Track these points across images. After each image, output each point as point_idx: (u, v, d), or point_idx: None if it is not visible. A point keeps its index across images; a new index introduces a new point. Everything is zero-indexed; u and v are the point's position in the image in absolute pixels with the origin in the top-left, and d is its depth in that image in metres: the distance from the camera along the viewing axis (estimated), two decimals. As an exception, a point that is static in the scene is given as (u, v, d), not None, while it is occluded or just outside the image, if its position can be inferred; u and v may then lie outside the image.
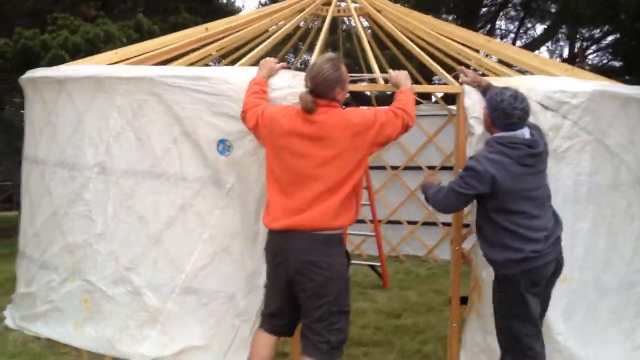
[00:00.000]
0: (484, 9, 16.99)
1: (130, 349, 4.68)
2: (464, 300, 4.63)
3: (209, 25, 5.83)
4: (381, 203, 9.34)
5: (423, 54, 5.01)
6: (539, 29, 17.91)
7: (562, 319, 4.60)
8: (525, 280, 3.85)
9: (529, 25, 17.98)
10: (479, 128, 4.36)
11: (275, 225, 3.81)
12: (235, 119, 4.33)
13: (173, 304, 4.62)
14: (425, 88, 5.32)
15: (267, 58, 4.51)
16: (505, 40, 17.79)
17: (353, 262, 8.07)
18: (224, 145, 4.49)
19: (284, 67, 4.42)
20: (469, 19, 15.53)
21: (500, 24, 18.16)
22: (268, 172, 3.92)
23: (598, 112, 4.75)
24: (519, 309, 3.87)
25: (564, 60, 17.38)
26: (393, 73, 4.36)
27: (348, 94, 4.07)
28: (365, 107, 4.15)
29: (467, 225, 4.85)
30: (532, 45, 17.05)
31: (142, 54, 5.46)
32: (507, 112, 3.90)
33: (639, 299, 5.37)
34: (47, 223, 5.20)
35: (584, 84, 4.77)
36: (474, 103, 4.41)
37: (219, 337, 4.55)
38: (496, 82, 4.48)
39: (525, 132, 3.93)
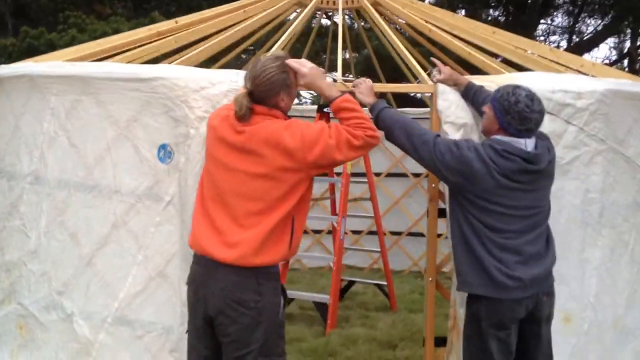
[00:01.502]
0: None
1: None
2: (441, 341, 3.88)
3: (181, 18, 5.24)
4: (402, 213, 8.60)
5: (401, 46, 4.27)
6: (593, 24, 16.69)
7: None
8: (489, 318, 3.18)
9: (587, 21, 16.80)
10: (455, 135, 3.62)
11: (197, 249, 3.17)
12: (176, 120, 3.77)
13: (106, 335, 4.02)
14: (393, 87, 4.55)
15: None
16: (560, 37, 16.74)
17: (360, 280, 7.38)
18: (164, 151, 3.90)
19: None
20: (516, 16, 14.59)
21: (555, 20, 17.04)
22: (199, 186, 3.30)
23: (613, 115, 3.97)
24: (472, 350, 3.24)
25: (618, 60, 16.18)
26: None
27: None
28: (319, 122, 3.35)
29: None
30: (591, 42, 15.96)
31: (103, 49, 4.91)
32: (523, 115, 3.16)
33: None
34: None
35: (593, 82, 3.97)
36: (448, 105, 3.67)
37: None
38: (478, 80, 3.73)
39: (529, 143, 3.19)
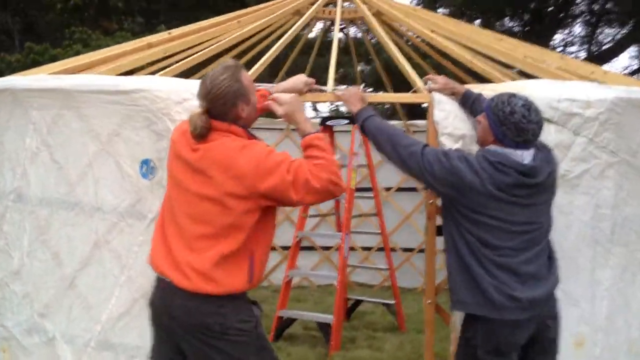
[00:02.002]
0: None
1: None
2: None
3: (175, 30, 5.08)
4: (413, 229, 8.33)
5: (397, 54, 4.05)
6: (612, 33, 16.34)
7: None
8: (486, 343, 2.95)
9: (606, 31, 16.45)
10: (453, 147, 3.39)
11: (154, 268, 2.95)
12: (158, 134, 3.62)
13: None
14: (386, 97, 4.32)
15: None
16: (579, 47, 16.42)
17: (368, 299, 7.11)
18: (147, 167, 3.72)
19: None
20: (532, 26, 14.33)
21: (573, 30, 16.69)
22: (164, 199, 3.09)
23: (625, 125, 3.74)
24: None
25: (639, 70, 15.83)
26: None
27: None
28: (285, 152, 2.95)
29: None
30: (610, 52, 15.63)
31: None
32: (520, 126, 2.94)
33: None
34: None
35: (603, 90, 3.72)
36: (446, 116, 3.45)
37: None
38: (477, 88, 3.50)
39: (526, 155, 2.96)
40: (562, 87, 3.67)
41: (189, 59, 4.28)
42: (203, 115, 2.85)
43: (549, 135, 3.47)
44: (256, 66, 3.99)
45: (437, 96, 3.48)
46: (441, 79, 3.53)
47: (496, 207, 2.93)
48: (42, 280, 3.98)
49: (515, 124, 2.93)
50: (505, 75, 4.23)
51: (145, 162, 3.71)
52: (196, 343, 2.83)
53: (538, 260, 3.01)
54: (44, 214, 3.98)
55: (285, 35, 4.34)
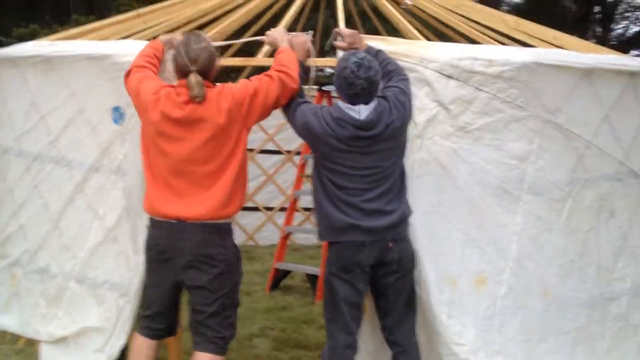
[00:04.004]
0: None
1: (41, 329, 4.58)
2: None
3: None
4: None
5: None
6: None
7: (473, 328, 3.87)
8: (335, 263, 3.52)
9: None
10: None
11: (159, 214, 3.57)
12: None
13: (75, 283, 4.43)
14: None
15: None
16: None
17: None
18: (117, 113, 4.21)
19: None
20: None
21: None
22: (145, 154, 3.67)
23: (539, 84, 3.98)
24: (326, 292, 3.59)
25: None
26: (269, 32, 3.95)
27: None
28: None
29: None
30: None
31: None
32: (349, 81, 3.39)
33: (623, 313, 4.47)
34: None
35: (512, 52, 4.00)
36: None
37: (109, 318, 4.30)
38: (378, 44, 3.86)
39: (363, 110, 3.39)
40: (466, 48, 3.98)
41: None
42: (200, 78, 3.45)
43: (447, 89, 3.84)
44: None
45: (343, 55, 3.79)
46: (348, 34, 3.83)
47: (340, 155, 3.40)
48: (33, 220, 4.69)
49: (345, 78, 3.37)
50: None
51: (116, 109, 4.19)
52: (197, 272, 3.51)
53: (382, 197, 3.46)
54: (35, 166, 4.67)
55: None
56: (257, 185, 8.80)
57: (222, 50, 4.76)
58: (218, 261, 3.50)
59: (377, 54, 3.75)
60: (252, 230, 8.83)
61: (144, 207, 3.69)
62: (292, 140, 8.42)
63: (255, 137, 8.64)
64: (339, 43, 3.84)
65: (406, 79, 3.65)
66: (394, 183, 3.53)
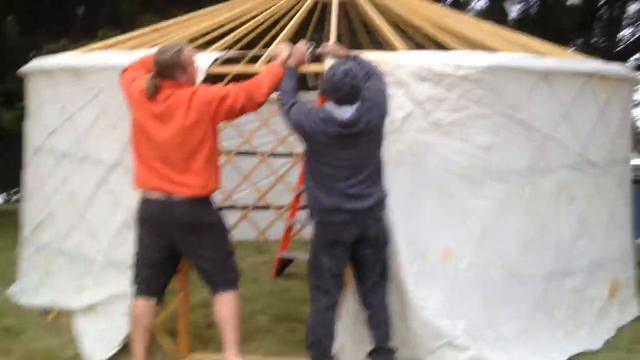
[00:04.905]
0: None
1: (73, 300, 5.19)
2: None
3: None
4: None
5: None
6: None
7: (439, 296, 4.45)
8: (321, 239, 4.12)
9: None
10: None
11: (149, 189, 4.22)
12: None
13: (100, 260, 5.03)
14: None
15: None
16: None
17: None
18: None
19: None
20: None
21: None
22: (133, 141, 4.31)
23: (501, 84, 4.57)
24: (312, 263, 4.20)
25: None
26: (276, 47, 4.58)
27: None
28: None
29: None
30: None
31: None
32: (335, 86, 4.00)
33: (580, 287, 5.02)
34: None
35: (478, 58, 4.57)
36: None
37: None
38: (362, 55, 4.46)
39: (347, 111, 3.99)
40: (439, 55, 4.57)
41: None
42: (155, 78, 4.16)
43: (421, 89, 4.44)
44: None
45: (330, 60, 4.39)
46: (330, 44, 4.52)
47: (326, 149, 4.01)
48: (64, 207, 5.38)
49: (332, 83, 3.97)
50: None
51: None
52: (190, 237, 4.20)
53: (362, 183, 4.04)
54: (66, 164, 5.36)
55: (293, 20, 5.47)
56: (269, 185, 9.41)
57: (240, 59, 5.40)
58: (207, 225, 4.23)
59: (355, 57, 4.36)
60: (263, 226, 9.41)
61: (135, 184, 4.32)
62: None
63: (266, 140, 9.32)
64: (323, 49, 4.49)
65: (381, 79, 4.23)
66: (373, 171, 4.12)
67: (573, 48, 13.58)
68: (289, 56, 4.38)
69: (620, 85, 5.53)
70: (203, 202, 4.23)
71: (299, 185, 7.46)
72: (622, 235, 5.69)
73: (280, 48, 4.51)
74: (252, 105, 4.23)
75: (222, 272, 4.32)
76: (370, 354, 4.31)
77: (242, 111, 4.24)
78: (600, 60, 5.74)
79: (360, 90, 4.02)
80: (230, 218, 8.46)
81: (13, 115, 10.44)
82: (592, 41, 16.08)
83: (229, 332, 4.25)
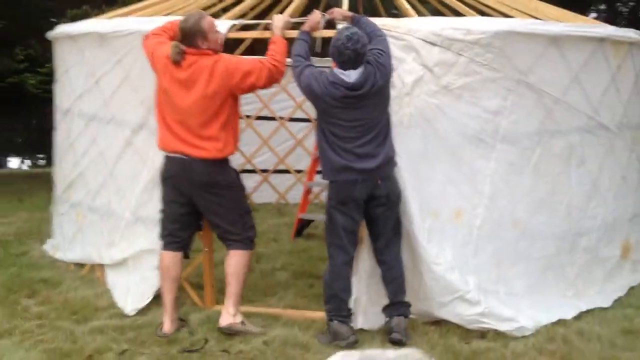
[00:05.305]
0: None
1: (104, 254, 5.47)
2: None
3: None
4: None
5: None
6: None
7: (450, 252, 4.62)
8: (335, 198, 4.34)
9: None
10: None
11: (171, 151, 4.48)
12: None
13: (129, 216, 5.27)
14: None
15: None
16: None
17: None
18: None
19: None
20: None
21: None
22: (157, 104, 4.56)
23: (510, 49, 4.67)
24: (328, 221, 4.42)
25: None
26: (274, 17, 4.74)
27: None
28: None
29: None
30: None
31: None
32: (339, 50, 4.20)
33: (592, 246, 5.18)
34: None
35: (488, 22, 4.70)
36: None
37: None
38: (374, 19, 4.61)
39: (352, 74, 4.19)
40: (448, 21, 4.71)
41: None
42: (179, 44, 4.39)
43: (431, 54, 4.57)
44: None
45: (340, 26, 4.55)
46: (337, 9, 4.70)
47: (335, 111, 4.23)
48: (92, 168, 5.65)
49: (337, 47, 4.18)
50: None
51: None
52: (207, 195, 4.48)
53: (371, 143, 4.26)
54: (94, 125, 5.61)
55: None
56: (287, 149, 9.62)
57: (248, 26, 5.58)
58: (222, 185, 4.48)
59: (359, 20, 4.55)
60: (283, 190, 9.65)
61: (158, 145, 4.58)
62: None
63: (285, 105, 9.50)
64: (331, 16, 4.69)
65: (384, 38, 4.41)
66: (381, 131, 4.32)
67: (594, 15, 13.44)
68: (284, 25, 4.63)
69: (634, 51, 5.61)
70: (219, 164, 4.47)
71: (316, 149, 7.67)
72: (635, 198, 5.80)
73: (276, 22, 4.68)
74: (270, 83, 4.51)
75: (239, 231, 4.56)
76: (385, 308, 4.52)
77: (262, 87, 4.55)
78: (619, 26, 5.78)
79: (364, 54, 4.20)
80: (250, 181, 9.02)
81: (36, 80, 10.71)
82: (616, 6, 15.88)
83: (232, 285, 4.51)
